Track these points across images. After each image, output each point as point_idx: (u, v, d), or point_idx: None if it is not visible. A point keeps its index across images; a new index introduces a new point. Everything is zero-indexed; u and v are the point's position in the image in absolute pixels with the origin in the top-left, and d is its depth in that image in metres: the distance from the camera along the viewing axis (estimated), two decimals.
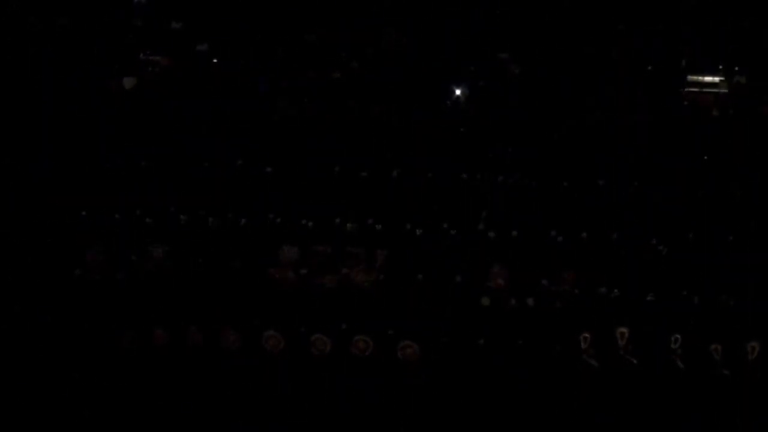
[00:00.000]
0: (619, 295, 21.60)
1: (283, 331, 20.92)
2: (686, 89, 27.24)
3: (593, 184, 24.48)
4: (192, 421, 19.81)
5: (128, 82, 30.03)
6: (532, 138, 27.04)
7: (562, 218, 23.58)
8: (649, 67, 27.81)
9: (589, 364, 19.99)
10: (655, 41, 28.46)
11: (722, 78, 27.52)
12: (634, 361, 19.98)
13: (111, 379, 20.60)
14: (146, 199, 25.95)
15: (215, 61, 30.17)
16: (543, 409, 19.68)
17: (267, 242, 23.85)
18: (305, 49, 30.54)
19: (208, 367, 20.62)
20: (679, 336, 20.06)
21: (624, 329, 20.26)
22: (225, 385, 20.26)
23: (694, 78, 27.60)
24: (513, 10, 29.99)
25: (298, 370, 20.46)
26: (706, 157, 24.84)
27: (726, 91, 27.09)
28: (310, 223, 23.81)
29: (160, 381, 20.46)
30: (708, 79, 27.62)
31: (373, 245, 23.33)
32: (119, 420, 19.97)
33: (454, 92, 27.47)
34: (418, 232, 23.53)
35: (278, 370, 20.56)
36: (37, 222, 24.33)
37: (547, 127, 27.27)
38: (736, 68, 27.39)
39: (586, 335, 20.32)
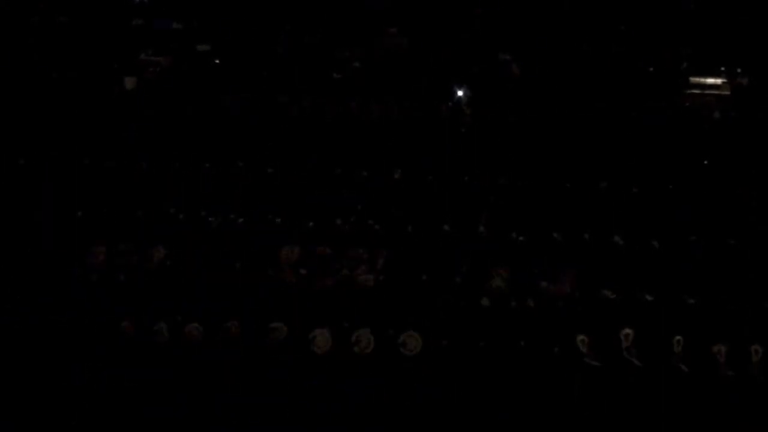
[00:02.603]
0: (621, 297, 21.64)
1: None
2: (688, 91, 27.23)
3: (595, 186, 24.49)
4: (192, 420, 19.84)
5: (129, 82, 30.03)
6: (534, 139, 27.07)
7: (564, 220, 23.60)
8: (651, 69, 27.86)
9: (591, 365, 20.03)
10: (656, 42, 28.51)
11: (725, 80, 27.51)
12: (638, 363, 20.01)
13: (111, 378, 20.71)
14: (146, 199, 26.03)
15: (216, 61, 30.21)
16: (544, 411, 19.72)
17: (267, 243, 23.85)
18: (306, 48, 30.57)
19: (208, 365, 20.71)
20: (681, 338, 20.09)
21: (629, 330, 20.30)
22: (226, 384, 20.33)
23: (696, 80, 27.61)
24: (514, 10, 30.03)
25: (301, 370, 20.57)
26: (706, 161, 24.83)
27: (728, 93, 27.08)
28: (311, 224, 23.81)
29: (161, 379, 20.54)
30: (710, 80, 27.60)
31: (374, 246, 23.33)
32: (118, 419, 20.02)
33: (456, 93, 27.49)
34: (419, 233, 23.55)
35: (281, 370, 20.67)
36: (36, 221, 24.42)
37: (548, 128, 27.30)
38: (739, 70, 27.41)
39: (584, 338, 20.37)
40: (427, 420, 19.77)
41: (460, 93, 27.62)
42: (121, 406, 20.32)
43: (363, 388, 20.30)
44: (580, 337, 20.53)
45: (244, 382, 20.65)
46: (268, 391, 20.51)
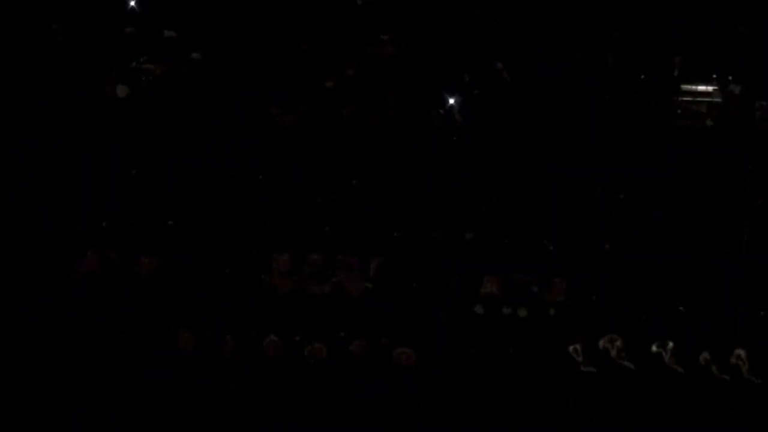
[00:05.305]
0: (611, 304, 21.69)
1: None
2: (680, 98, 27.30)
3: (587, 193, 24.54)
4: (189, 427, 19.84)
5: (121, 90, 29.98)
6: (526, 147, 27.11)
7: (556, 227, 23.64)
8: (643, 76, 27.91)
9: (587, 372, 20.07)
10: (649, 49, 28.57)
11: (716, 87, 27.59)
12: (632, 366, 20.04)
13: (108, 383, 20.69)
14: (138, 206, 25.97)
15: (208, 69, 30.15)
16: (537, 418, 19.73)
17: (259, 250, 23.82)
18: (299, 56, 30.55)
19: (205, 373, 20.72)
20: (672, 343, 20.11)
21: (619, 339, 20.33)
22: (222, 392, 20.34)
23: (688, 87, 27.70)
24: (507, 18, 30.06)
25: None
26: (700, 166, 24.90)
27: (720, 100, 27.15)
28: (303, 232, 23.80)
29: (157, 386, 20.53)
30: (702, 88, 27.70)
31: (367, 253, 23.31)
32: (116, 423, 19.99)
33: (448, 101, 27.49)
34: (410, 240, 23.54)
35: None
36: (30, 227, 24.37)
37: (540, 136, 27.35)
38: (731, 78, 27.50)
39: (577, 347, 20.37)
40: (423, 422, 19.82)
41: (452, 101, 27.63)
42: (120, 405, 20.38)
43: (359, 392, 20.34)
44: (573, 346, 20.55)
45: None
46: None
